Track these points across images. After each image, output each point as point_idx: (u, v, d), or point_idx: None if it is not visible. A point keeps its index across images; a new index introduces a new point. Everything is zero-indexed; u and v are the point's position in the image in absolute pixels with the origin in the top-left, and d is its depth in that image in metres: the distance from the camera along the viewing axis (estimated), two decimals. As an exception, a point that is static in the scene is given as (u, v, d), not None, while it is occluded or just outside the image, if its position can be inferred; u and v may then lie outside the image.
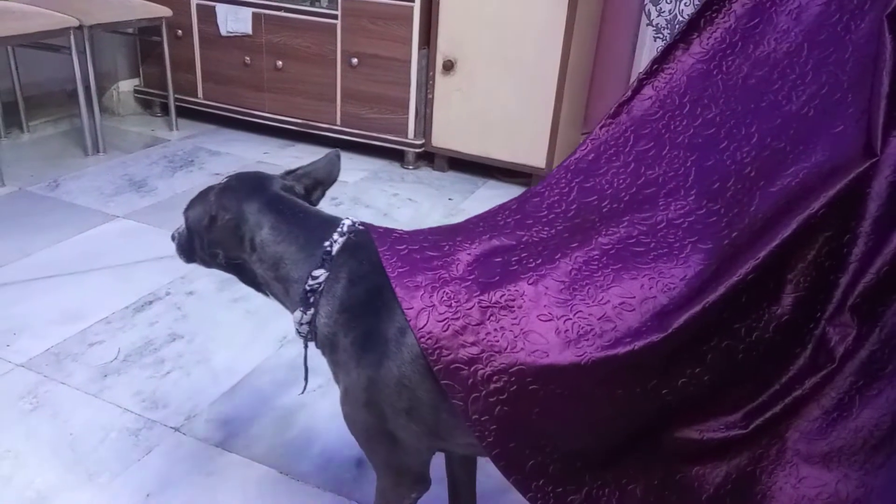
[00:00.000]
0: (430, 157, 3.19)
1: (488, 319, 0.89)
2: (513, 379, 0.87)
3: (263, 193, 1.03)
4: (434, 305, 0.90)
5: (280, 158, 3.15)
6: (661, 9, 2.87)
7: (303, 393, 1.22)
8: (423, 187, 2.99)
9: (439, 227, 1.08)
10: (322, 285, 0.98)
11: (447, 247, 0.97)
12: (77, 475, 1.38)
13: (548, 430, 0.91)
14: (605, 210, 1.00)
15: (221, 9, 3.19)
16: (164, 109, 3.48)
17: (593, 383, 0.87)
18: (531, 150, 2.92)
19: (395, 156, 3.20)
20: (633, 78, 3.01)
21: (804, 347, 0.88)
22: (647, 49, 2.94)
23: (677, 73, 1.06)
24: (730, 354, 0.88)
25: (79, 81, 2.87)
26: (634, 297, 0.88)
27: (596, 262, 0.91)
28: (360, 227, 1.03)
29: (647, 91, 1.07)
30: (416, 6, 2.86)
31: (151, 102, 3.59)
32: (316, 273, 0.98)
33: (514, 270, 0.92)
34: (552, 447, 0.92)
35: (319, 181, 1.11)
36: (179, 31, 3.30)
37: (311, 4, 3.05)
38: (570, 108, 2.94)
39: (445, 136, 3.08)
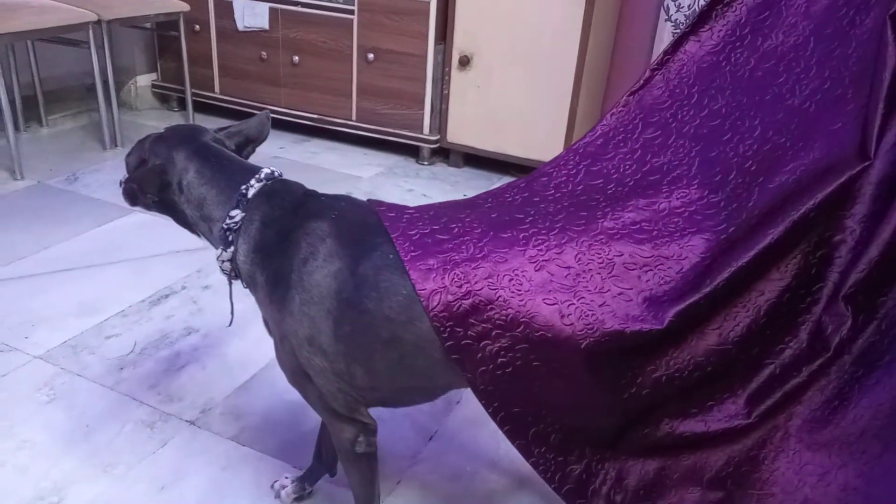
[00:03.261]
0: (446, 153, 3.18)
1: (496, 301, 0.92)
2: (518, 355, 0.93)
3: (192, 142, 1.13)
4: (446, 286, 0.94)
5: (296, 153, 3.15)
6: (679, 4, 2.84)
7: (230, 325, 1.31)
8: (437, 183, 2.98)
9: (449, 203, 1.11)
10: (239, 225, 1.07)
11: (456, 229, 1.00)
12: (93, 466, 1.39)
13: (548, 403, 0.97)
14: (609, 192, 1.03)
15: (238, 4, 3.20)
16: (181, 104, 3.50)
17: (590, 364, 0.92)
18: (547, 147, 2.90)
19: (410, 151, 3.20)
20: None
21: (794, 334, 0.91)
22: (665, 45, 2.91)
23: (688, 64, 1.07)
24: (708, 336, 0.92)
25: (97, 76, 2.89)
26: (632, 289, 0.92)
27: (599, 248, 0.94)
28: (279, 176, 1.12)
29: (658, 80, 1.08)
30: (433, 1, 2.85)
31: (169, 97, 3.61)
32: (232, 213, 1.07)
33: (522, 250, 0.95)
34: (553, 418, 0.97)
35: (250, 139, 1.22)
36: (197, 26, 3.31)
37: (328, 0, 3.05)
38: (586, 105, 2.92)
39: (461, 132, 3.07)
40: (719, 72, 1.05)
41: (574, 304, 0.91)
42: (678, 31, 2.86)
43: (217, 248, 1.10)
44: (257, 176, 1.09)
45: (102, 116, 2.98)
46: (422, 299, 0.93)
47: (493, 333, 0.93)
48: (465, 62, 2.93)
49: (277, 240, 1.04)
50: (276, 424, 1.54)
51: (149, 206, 1.18)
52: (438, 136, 3.11)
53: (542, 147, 2.91)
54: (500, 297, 0.92)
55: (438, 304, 0.93)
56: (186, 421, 1.53)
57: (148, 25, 3.33)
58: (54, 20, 2.65)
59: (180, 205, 1.13)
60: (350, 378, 1.03)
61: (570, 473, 0.98)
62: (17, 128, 2.95)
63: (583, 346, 0.90)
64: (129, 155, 1.19)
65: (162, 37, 3.44)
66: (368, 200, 1.09)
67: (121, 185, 1.21)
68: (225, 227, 1.07)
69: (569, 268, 0.93)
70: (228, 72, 3.37)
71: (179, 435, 1.49)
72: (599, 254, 0.93)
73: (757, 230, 0.90)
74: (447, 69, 2.98)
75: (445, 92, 3.02)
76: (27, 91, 3.15)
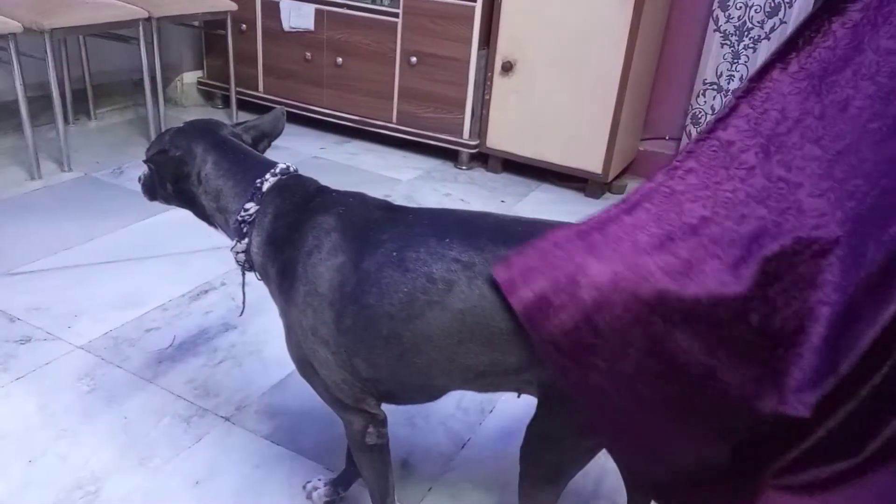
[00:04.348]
0: (484, 158, 3.17)
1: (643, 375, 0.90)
2: (646, 417, 0.92)
3: (211, 136, 1.18)
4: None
5: (336, 154, 3.17)
6: (729, 15, 2.79)
7: (241, 315, 1.38)
8: (475, 188, 2.97)
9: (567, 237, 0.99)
10: (253, 217, 1.10)
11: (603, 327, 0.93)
12: (129, 459, 1.41)
13: (681, 470, 0.97)
14: (720, 239, 0.94)
15: (285, 4, 3.23)
16: (226, 102, 3.55)
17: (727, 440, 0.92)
18: (587, 155, 2.88)
19: (449, 155, 3.20)
20: (698, 84, 2.93)
21: None
22: (713, 56, 2.87)
23: (774, 93, 1.00)
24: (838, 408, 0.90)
25: (145, 72, 2.95)
26: (769, 369, 0.89)
27: (732, 320, 0.89)
28: (294, 172, 1.16)
29: (744, 109, 1.01)
30: (478, 6, 2.85)
31: (213, 94, 3.66)
32: (247, 206, 1.10)
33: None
34: (673, 464, 0.97)
35: (265, 133, 1.26)
36: (244, 26, 3.36)
37: (373, 2, 3.07)
38: (629, 114, 2.89)
39: (500, 138, 3.06)
40: (810, 102, 0.98)
41: (716, 384, 0.88)
42: (727, 41, 2.82)
43: (232, 240, 1.14)
44: (272, 171, 1.13)
45: (149, 112, 3.03)
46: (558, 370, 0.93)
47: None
48: (507, 68, 2.92)
49: (287, 232, 1.07)
50: (310, 424, 1.54)
51: (167, 199, 1.22)
52: (478, 141, 3.11)
53: (583, 155, 2.89)
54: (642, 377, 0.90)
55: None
56: (222, 417, 1.54)
57: (196, 24, 3.38)
58: (108, 16, 2.71)
59: (198, 196, 1.17)
60: (353, 370, 1.04)
61: None
62: (66, 120, 3.02)
63: (733, 444, 0.89)
64: (149, 149, 1.22)
65: (209, 35, 3.49)
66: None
67: (139, 180, 1.26)
68: (240, 219, 1.10)
69: (705, 362, 0.88)
70: (273, 71, 3.41)
71: (215, 430, 1.50)
72: (734, 326, 0.88)
73: (877, 293, 0.85)
74: (489, 74, 2.97)
75: (487, 97, 3.02)
76: (77, 85, 3.23)
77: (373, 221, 1.05)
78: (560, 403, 0.99)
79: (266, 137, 1.26)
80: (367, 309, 0.99)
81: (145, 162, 1.19)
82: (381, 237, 1.02)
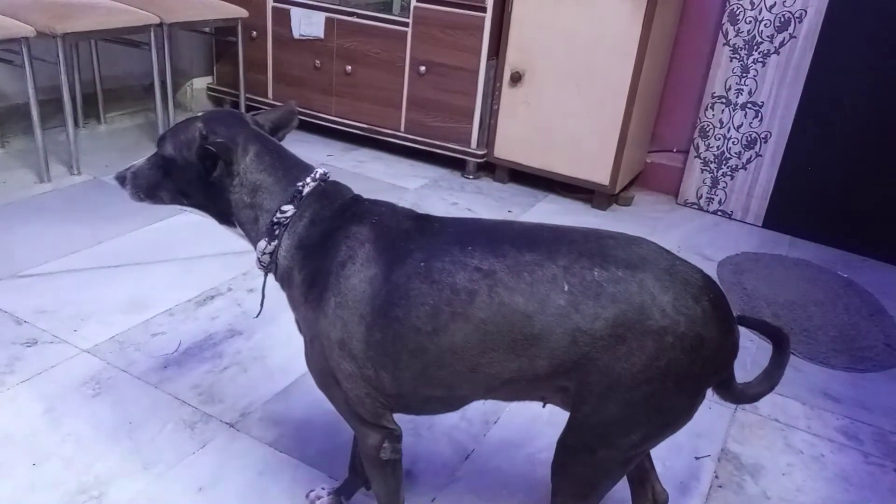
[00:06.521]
0: (491, 168, 3.18)
1: None
2: None
3: (246, 126, 1.13)
4: None
5: (343, 161, 3.18)
6: (739, 29, 2.80)
7: (257, 317, 1.33)
8: (482, 198, 2.98)
9: None
10: (288, 220, 1.07)
11: None
12: (133, 463, 1.41)
13: None
14: None
15: (296, 12, 3.25)
16: (235, 108, 3.57)
17: None
18: (594, 167, 2.88)
19: (457, 165, 3.20)
20: (706, 97, 2.92)
21: None
22: (723, 69, 2.87)
23: None
24: None
25: (156, 77, 2.96)
26: None
27: None
28: (330, 178, 1.13)
29: None
30: (488, 17, 2.86)
31: (223, 100, 3.68)
32: (285, 208, 1.07)
33: None
34: None
35: (279, 126, 1.22)
36: (254, 33, 3.38)
37: (383, 11, 3.08)
38: (637, 127, 2.89)
39: (508, 148, 3.06)
40: None
41: None
42: (736, 55, 2.82)
43: (251, 240, 1.11)
44: (313, 175, 1.11)
45: (158, 116, 3.05)
46: None
47: None
48: (516, 78, 2.93)
49: (320, 240, 1.05)
50: (313, 432, 1.54)
51: (173, 196, 1.15)
52: (485, 151, 3.11)
53: (590, 166, 2.89)
54: None
55: None
56: (226, 423, 1.54)
57: (207, 30, 3.40)
58: (120, 21, 2.73)
59: (227, 188, 1.09)
60: (378, 384, 1.03)
61: None
62: (76, 124, 3.03)
63: None
64: (168, 138, 1.14)
65: (220, 41, 3.51)
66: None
67: (122, 180, 1.23)
68: (275, 220, 1.07)
69: None
70: (282, 78, 3.42)
71: (219, 437, 1.50)
72: None
73: None
74: (498, 85, 2.98)
75: (495, 107, 3.02)
76: (88, 89, 3.24)
77: (402, 231, 1.05)
78: (593, 413, 0.97)
79: (280, 130, 1.22)
80: (396, 323, 0.98)
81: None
82: (410, 247, 1.02)
